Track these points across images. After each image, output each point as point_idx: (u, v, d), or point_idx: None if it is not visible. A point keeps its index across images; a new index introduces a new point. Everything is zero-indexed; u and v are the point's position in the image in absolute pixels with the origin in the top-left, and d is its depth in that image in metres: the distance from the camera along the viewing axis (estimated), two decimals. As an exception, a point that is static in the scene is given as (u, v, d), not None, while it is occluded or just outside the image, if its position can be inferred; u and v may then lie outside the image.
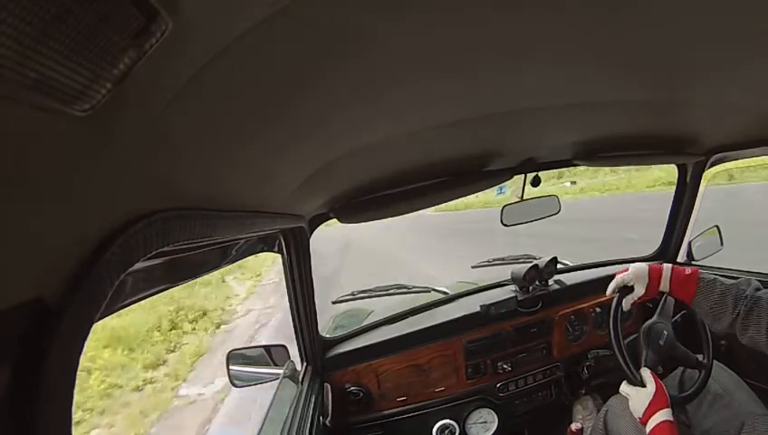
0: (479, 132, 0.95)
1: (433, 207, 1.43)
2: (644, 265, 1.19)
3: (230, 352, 1.35)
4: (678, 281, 1.16)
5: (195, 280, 0.73)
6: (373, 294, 1.76)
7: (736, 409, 1.27)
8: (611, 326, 1.37)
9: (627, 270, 1.20)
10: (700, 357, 1.36)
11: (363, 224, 1.23)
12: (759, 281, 1.36)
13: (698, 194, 1.77)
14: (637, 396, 1.15)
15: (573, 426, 1.44)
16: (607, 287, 1.27)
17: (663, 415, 1.08)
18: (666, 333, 1.39)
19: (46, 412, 0.26)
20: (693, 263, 1.84)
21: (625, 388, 1.20)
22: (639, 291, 1.19)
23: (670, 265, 1.18)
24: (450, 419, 1.54)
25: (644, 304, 1.49)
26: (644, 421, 1.10)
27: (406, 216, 1.24)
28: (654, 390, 1.13)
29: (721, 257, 1.80)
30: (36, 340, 0.26)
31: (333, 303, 1.77)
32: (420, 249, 9.47)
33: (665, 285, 1.17)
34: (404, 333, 1.56)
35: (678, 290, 1.17)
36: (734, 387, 1.35)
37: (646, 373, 1.20)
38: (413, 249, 9.50)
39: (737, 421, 1.19)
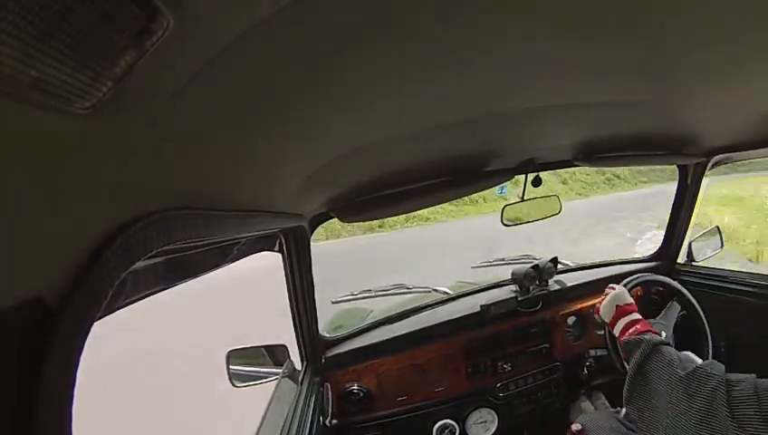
0: (479, 132, 0.95)
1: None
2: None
3: (230, 351, 1.35)
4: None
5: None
6: (373, 294, 1.76)
7: None
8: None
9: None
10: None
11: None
12: (759, 281, 1.36)
13: (699, 195, 1.77)
14: (625, 291, 1.27)
15: (573, 427, 1.44)
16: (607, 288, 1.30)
17: (637, 315, 1.19)
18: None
19: (46, 412, 0.26)
20: (693, 263, 1.84)
21: (612, 285, 1.33)
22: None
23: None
24: (450, 418, 1.54)
25: (645, 304, 1.49)
26: (624, 310, 1.20)
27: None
28: (632, 300, 1.25)
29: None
30: (36, 340, 0.26)
31: (333, 303, 1.77)
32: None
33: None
34: (404, 332, 1.55)
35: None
36: None
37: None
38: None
39: None
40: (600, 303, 1.30)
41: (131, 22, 0.22)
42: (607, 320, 1.25)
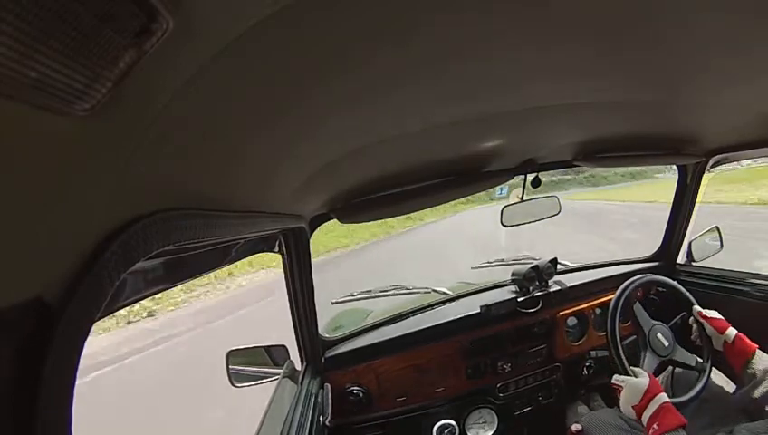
0: (479, 133, 0.95)
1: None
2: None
3: (229, 351, 1.35)
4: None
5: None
6: (373, 295, 1.76)
7: (723, 411, 1.27)
8: (609, 325, 1.38)
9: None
10: (699, 359, 1.36)
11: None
12: (758, 281, 1.35)
13: (699, 195, 1.77)
14: (631, 385, 1.17)
15: (574, 427, 1.44)
16: (607, 288, 1.28)
17: (662, 398, 1.10)
18: (666, 338, 1.40)
19: (46, 412, 0.26)
20: (693, 263, 1.84)
21: (619, 377, 1.23)
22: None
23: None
24: (450, 419, 1.54)
25: (645, 305, 1.49)
26: (642, 406, 1.12)
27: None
28: (648, 381, 1.16)
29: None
30: (36, 340, 0.26)
31: (333, 303, 1.77)
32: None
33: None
34: (404, 333, 1.55)
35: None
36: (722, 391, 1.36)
37: (639, 371, 1.23)
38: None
39: (726, 427, 1.19)
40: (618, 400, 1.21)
41: (131, 22, 0.22)
42: (633, 418, 1.17)
